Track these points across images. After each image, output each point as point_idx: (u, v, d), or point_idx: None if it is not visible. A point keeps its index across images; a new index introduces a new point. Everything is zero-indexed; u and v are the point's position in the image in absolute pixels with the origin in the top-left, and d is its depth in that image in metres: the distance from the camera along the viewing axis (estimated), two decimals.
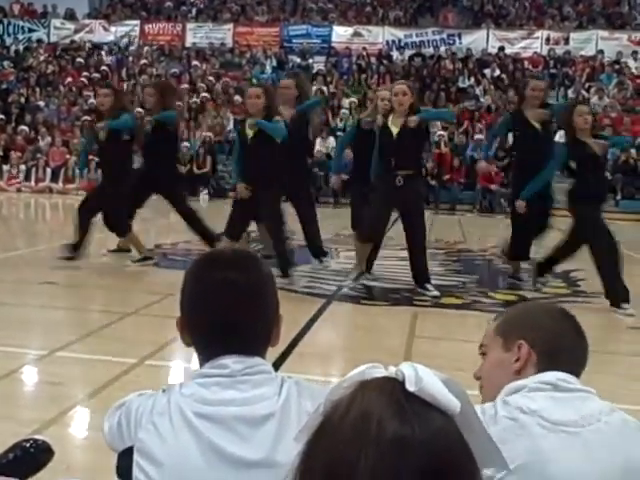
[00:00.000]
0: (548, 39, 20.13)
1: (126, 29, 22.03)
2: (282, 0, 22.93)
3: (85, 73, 19.65)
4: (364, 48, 20.25)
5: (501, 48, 19.85)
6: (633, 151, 14.87)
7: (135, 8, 23.21)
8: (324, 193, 14.88)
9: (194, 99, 18.15)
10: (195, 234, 7.13)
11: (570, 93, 17.73)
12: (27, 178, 15.88)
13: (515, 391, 1.34)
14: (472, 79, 18.80)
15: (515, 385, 1.35)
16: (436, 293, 5.81)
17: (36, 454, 1.53)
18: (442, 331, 4.99)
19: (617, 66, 18.83)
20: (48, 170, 15.82)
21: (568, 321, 1.44)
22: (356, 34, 20.98)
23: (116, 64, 20.47)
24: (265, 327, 1.36)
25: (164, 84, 8.20)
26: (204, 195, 14.98)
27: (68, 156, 15.86)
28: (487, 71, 19.09)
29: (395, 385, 0.74)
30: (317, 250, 6.82)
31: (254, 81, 16.69)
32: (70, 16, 22.53)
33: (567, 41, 20.02)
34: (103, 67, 20.03)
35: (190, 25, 21.96)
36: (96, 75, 19.51)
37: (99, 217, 6.84)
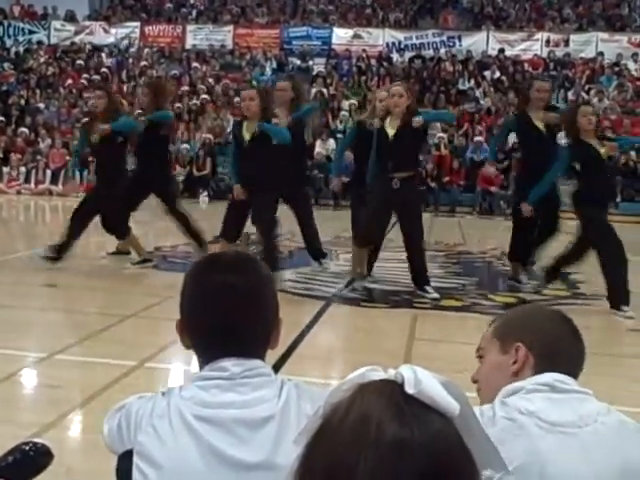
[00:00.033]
0: (548, 41, 20.14)
1: (126, 31, 22.04)
2: (282, 2, 22.95)
3: (85, 75, 19.65)
4: (364, 50, 20.26)
5: (501, 50, 19.86)
6: (633, 153, 14.88)
7: (135, 10, 23.23)
8: (324, 195, 14.89)
9: (194, 101, 18.16)
10: (185, 236, 7.14)
11: (570, 95, 17.74)
12: (27, 180, 15.88)
13: (513, 393, 1.34)
14: (472, 81, 18.81)
15: (513, 387, 1.36)
16: (436, 295, 5.81)
17: (35, 457, 1.53)
18: (442, 333, 4.99)
19: (617, 68, 18.85)
20: (48, 172, 15.82)
21: (565, 324, 1.45)
22: (356, 36, 20.99)
23: (116, 66, 20.48)
24: (264, 330, 1.36)
25: (157, 84, 8.19)
26: (204, 197, 14.97)
27: (68, 158, 15.86)
28: (487, 73, 19.10)
29: (394, 388, 0.74)
30: (316, 252, 6.82)
31: (254, 83, 16.73)
32: (70, 18, 22.55)
33: (567, 43, 20.03)
34: (103, 69, 20.04)
35: (190, 27, 21.97)
36: (96, 77, 19.51)
37: (97, 220, 6.84)
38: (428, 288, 5.85)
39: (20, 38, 22.30)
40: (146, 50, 21.06)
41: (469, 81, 18.85)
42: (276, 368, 3.55)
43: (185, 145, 16.20)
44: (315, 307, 5.46)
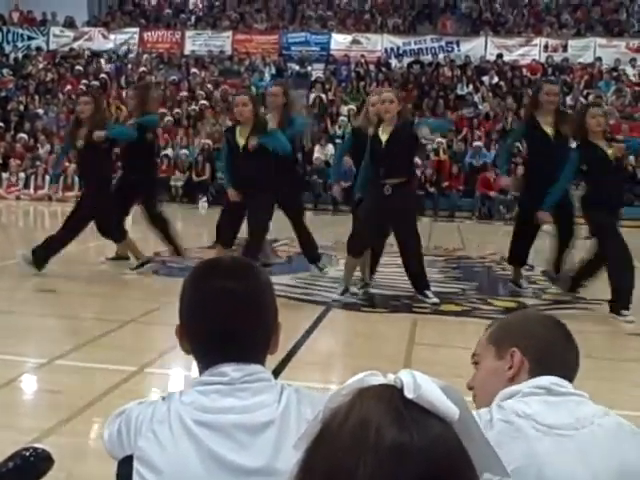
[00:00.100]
0: (546, 46, 20.18)
1: (125, 37, 22.06)
2: (281, 8, 23.00)
3: (84, 81, 19.66)
4: (363, 55, 20.30)
5: (499, 55, 19.90)
6: (632, 158, 14.89)
7: (134, 16, 23.27)
8: (323, 200, 14.90)
9: (193, 106, 18.18)
10: (164, 242, 7.16)
11: (568, 100, 17.76)
12: (26, 186, 15.88)
13: (510, 396, 1.35)
14: (470, 86, 18.84)
15: (509, 391, 1.37)
16: (435, 300, 5.80)
17: (36, 463, 1.53)
18: (441, 338, 4.99)
19: (615, 73, 18.88)
20: (47, 178, 15.81)
21: (559, 328, 1.47)
22: (355, 42, 21.03)
23: (115, 72, 20.50)
24: (264, 335, 1.36)
25: (144, 87, 8.25)
26: (203, 202, 14.97)
27: (67, 164, 15.86)
28: (485, 78, 19.12)
29: (393, 392, 0.75)
30: (313, 255, 6.86)
31: (253, 89, 16.75)
32: (69, 24, 22.58)
33: (565, 48, 20.07)
34: (102, 75, 20.05)
35: (189, 33, 22.01)
36: (95, 83, 19.53)
37: (92, 225, 6.85)
38: (428, 293, 5.84)
39: (19, 44, 22.32)
40: (145, 56, 21.08)
41: (467, 86, 18.87)
42: (276, 373, 3.55)
43: (184, 150, 16.22)
44: (315, 312, 5.46)
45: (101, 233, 6.88)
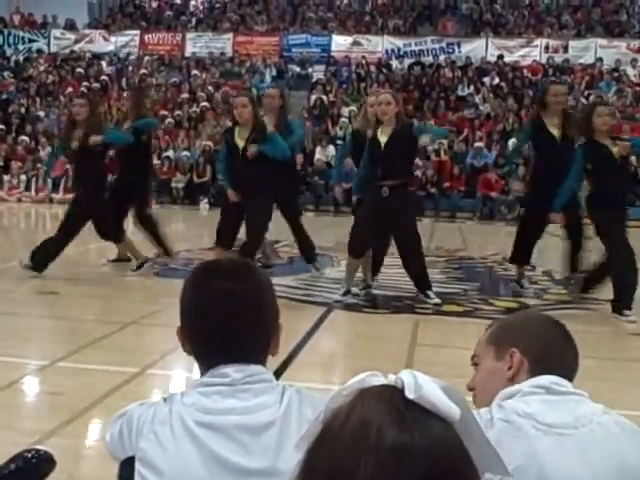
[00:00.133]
0: (547, 47, 20.19)
1: (126, 39, 22.10)
2: (282, 10, 23.02)
3: (85, 83, 19.69)
4: (363, 57, 20.31)
5: (500, 56, 19.90)
6: (633, 158, 14.88)
7: (135, 18, 23.30)
8: (324, 201, 14.91)
9: (194, 108, 18.20)
10: (152, 244, 7.17)
11: (569, 101, 17.76)
12: (27, 188, 15.90)
13: (509, 396, 1.36)
14: (471, 87, 18.84)
15: (509, 390, 1.37)
16: (437, 301, 5.80)
17: (38, 464, 1.53)
18: (443, 339, 4.99)
19: (616, 74, 18.88)
20: (49, 180, 15.84)
21: (558, 329, 1.47)
22: (355, 43, 21.04)
23: (116, 74, 20.53)
24: (264, 336, 1.36)
25: (140, 89, 8.34)
26: (204, 204, 15.00)
27: (68, 166, 15.88)
28: (486, 79, 19.13)
29: (394, 393, 0.75)
30: (310, 255, 6.92)
31: (253, 90, 16.76)
32: (70, 26, 22.61)
33: (566, 49, 20.08)
34: (103, 77, 20.08)
35: (190, 35, 22.03)
36: (96, 85, 19.56)
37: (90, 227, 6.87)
38: (430, 293, 5.84)
39: (20, 47, 22.36)
40: (146, 58, 21.11)
41: (468, 87, 18.88)
42: (278, 374, 3.55)
43: (185, 152, 16.24)
44: (316, 313, 5.46)
45: (100, 235, 6.89)
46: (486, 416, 1.30)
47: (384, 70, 19.86)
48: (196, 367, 1.39)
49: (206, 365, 1.33)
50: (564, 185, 5.68)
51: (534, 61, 19.85)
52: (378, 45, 20.92)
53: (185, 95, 18.94)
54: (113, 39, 22.11)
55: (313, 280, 6.78)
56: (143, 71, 20.31)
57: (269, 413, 1.26)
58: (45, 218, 14.11)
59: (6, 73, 20.81)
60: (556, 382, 1.35)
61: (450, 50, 20.48)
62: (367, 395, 0.75)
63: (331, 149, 16.05)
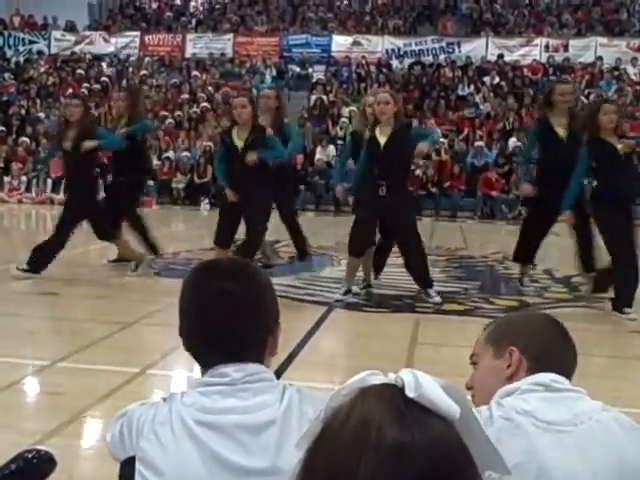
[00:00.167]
0: (547, 46, 20.19)
1: (126, 40, 22.11)
2: (282, 10, 23.03)
3: (85, 84, 19.70)
4: (364, 57, 20.31)
5: (500, 56, 19.90)
6: (634, 157, 14.87)
7: (135, 19, 23.31)
8: (325, 201, 14.92)
9: (194, 109, 18.21)
10: (140, 244, 7.17)
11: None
12: (28, 189, 15.91)
13: (508, 394, 1.36)
14: (472, 87, 18.85)
15: (508, 388, 1.38)
16: (438, 299, 5.80)
17: (39, 465, 1.53)
18: (444, 337, 4.99)
19: (616, 72, 18.88)
20: (49, 181, 15.84)
21: (556, 327, 1.48)
22: (355, 43, 21.05)
23: (116, 75, 20.53)
24: (264, 335, 1.36)
25: (134, 90, 8.38)
26: (205, 204, 15.01)
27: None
28: (486, 79, 19.13)
29: (394, 391, 0.75)
30: (304, 252, 7.00)
31: (254, 91, 16.76)
32: (70, 28, 22.63)
33: (566, 48, 20.08)
34: (103, 78, 20.09)
35: (190, 36, 22.04)
36: (96, 86, 19.58)
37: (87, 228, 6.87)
38: (431, 291, 5.84)
39: (20, 48, 22.38)
40: (146, 59, 21.13)
41: (469, 87, 18.88)
42: (278, 373, 3.55)
43: (186, 153, 16.25)
44: (317, 312, 5.46)
45: (97, 236, 6.90)
46: (485, 414, 1.30)
47: (384, 70, 19.87)
48: (197, 367, 1.39)
49: (206, 365, 1.34)
50: (570, 184, 5.63)
51: (534, 60, 19.85)
52: (378, 45, 20.92)
53: (185, 96, 18.95)
54: (113, 40, 22.12)
55: (314, 279, 6.79)
56: (143, 72, 20.33)
57: (269, 412, 1.26)
58: (46, 219, 14.11)
59: (6, 75, 20.82)
60: (555, 379, 1.36)
61: (450, 50, 20.48)
62: (367, 394, 0.75)
63: (331, 149, 16.07)
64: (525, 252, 6.30)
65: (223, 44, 21.63)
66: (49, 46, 22.32)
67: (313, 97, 18.55)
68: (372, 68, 20.04)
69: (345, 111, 17.73)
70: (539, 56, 20.04)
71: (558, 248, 6.85)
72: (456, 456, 0.73)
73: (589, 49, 19.96)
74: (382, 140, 5.60)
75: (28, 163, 16.38)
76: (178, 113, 18.03)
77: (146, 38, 22.07)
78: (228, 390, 1.28)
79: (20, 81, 20.50)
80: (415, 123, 14.99)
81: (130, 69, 20.89)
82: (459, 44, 20.60)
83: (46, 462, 1.54)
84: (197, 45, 21.78)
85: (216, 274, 1.37)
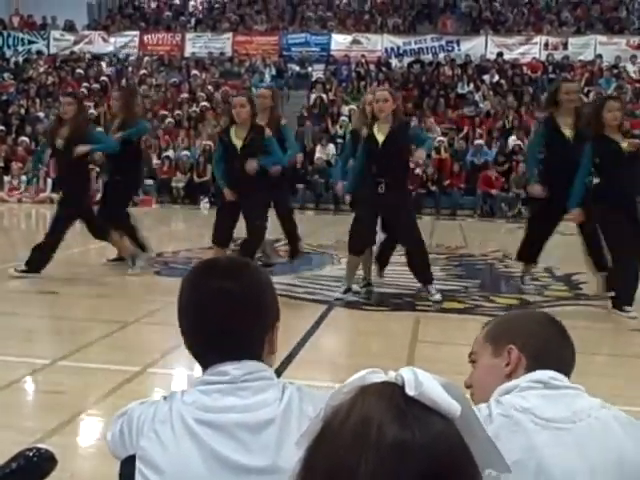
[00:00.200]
0: (546, 44, 20.18)
1: (125, 40, 22.11)
2: (281, 9, 23.02)
3: (85, 84, 19.69)
4: (363, 56, 20.30)
5: (500, 54, 19.89)
6: None
7: (134, 19, 23.30)
8: (324, 200, 14.92)
9: (194, 108, 18.20)
10: (131, 243, 7.19)
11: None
12: (28, 184, 15.90)
13: (507, 392, 1.37)
14: (471, 85, 18.84)
15: (507, 386, 1.38)
16: (438, 297, 5.80)
17: (39, 463, 1.53)
18: (444, 336, 4.99)
19: (616, 70, 18.87)
20: (49, 181, 15.83)
21: (554, 325, 1.49)
22: (355, 42, 21.04)
23: (116, 75, 20.53)
24: (264, 334, 1.36)
25: (130, 91, 8.37)
26: (204, 203, 15.01)
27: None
28: (486, 77, 19.12)
29: (395, 390, 0.75)
30: (296, 249, 7.06)
31: (253, 90, 16.76)
32: (69, 27, 22.62)
33: (565, 46, 20.07)
34: (103, 78, 20.08)
35: (189, 35, 22.04)
36: (96, 86, 19.57)
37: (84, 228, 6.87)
38: (431, 288, 5.84)
39: (20, 48, 22.37)
40: (145, 58, 21.12)
41: (468, 85, 18.87)
42: (279, 372, 3.55)
43: (185, 152, 16.25)
44: (317, 311, 5.47)
45: (93, 235, 6.89)
46: (485, 412, 1.30)
47: (384, 69, 19.86)
48: (197, 365, 1.39)
49: (205, 363, 1.34)
50: (575, 182, 5.61)
51: (534, 58, 19.84)
52: (377, 44, 20.91)
53: (185, 95, 18.95)
54: (112, 40, 22.11)
55: (314, 278, 6.79)
56: (143, 72, 20.32)
57: (269, 411, 1.26)
58: (45, 219, 14.11)
59: (6, 74, 20.81)
60: (553, 377, 1.37)
61: (450, 48, 20.48)
62: (367, 392, 0.75)
63: (331, 148, 16.07)
64: (529, 251, 6.29)
65: (222, 43, 21.62)
66: (48, 46, 22.31)
67: (313, 96, 18.55)
68: (371, 67, 20.04)
69: (345, 110, 17.72)
70: (538, 54, 20.03)
71: (559, 246, 6.84)
72: (456, 454, 0.73)
73: (588, 47, 19.96)
74: (380, 138, 5.60)
75: (28, 162, 16.37)
76: (178, 112, 18.03)
77: (145, 37, 22.06)
78: (228, 388, 1.28)
79: (19, 81, 20.50)
80: (414, 121, 14.97)
81: (129, 68, 20.88)
82: (458, 42, 20.59)
83: (47, 460, 1.55)
84: (196, 44, 21.78)
85: (214, 273, 1.37)
